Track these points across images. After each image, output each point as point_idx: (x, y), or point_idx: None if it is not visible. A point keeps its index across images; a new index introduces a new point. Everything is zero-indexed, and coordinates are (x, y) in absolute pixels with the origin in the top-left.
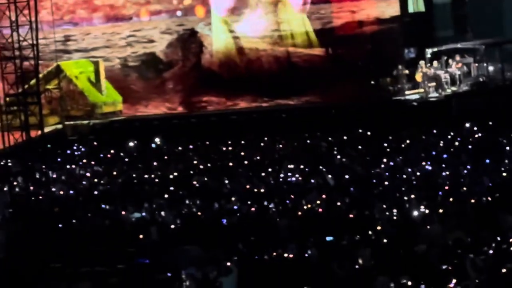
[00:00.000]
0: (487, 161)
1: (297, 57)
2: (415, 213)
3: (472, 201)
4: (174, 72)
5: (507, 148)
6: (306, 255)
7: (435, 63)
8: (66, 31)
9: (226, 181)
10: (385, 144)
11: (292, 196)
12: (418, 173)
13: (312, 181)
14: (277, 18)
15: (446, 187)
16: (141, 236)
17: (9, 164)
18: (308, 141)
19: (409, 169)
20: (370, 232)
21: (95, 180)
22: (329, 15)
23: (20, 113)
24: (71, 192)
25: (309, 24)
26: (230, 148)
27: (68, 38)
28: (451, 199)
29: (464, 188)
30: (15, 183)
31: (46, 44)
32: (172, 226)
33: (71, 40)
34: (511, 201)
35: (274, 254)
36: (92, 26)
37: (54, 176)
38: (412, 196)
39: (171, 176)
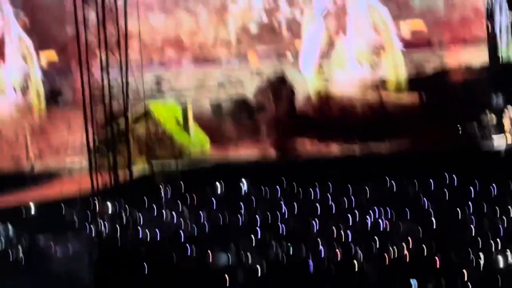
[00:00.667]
0: None
1: (388, 102)
2: (502, 260)
3: None
4: (263, 115)
5: None
6: None
7: None
8: (155, 73)
9: (314, 225)
10: (471, 190)
11: (379, 241)
12: (505, 220)
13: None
14: (372, 63)
15: None
16: (227, 279)
17: (97, 205)
18: (396, 186)
19: (497, 216)
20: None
21: (182, 222)
22: (420, 61)
23: (109, 154)
24: (159, 234)
25: (402, 70)
26: (318, 192)
27: (158, 79)
28: None
29: None
30: (102, 225)
31: (135, 85)
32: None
33: (160, 82)
34: None
35: None
36: (181, 68)
37: (142, 218)
38: (499, 243)
39: (258, 220)
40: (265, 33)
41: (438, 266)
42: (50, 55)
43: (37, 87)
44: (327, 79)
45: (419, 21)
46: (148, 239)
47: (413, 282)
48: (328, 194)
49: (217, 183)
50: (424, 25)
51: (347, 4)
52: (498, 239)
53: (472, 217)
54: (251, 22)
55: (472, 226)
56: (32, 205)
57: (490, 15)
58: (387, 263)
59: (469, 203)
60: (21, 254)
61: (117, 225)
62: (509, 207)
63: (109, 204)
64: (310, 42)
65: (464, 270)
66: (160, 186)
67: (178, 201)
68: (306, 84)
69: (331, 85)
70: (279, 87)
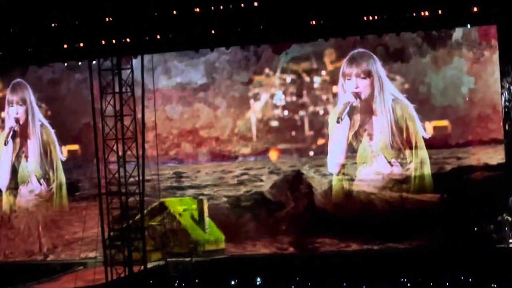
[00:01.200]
0: None
1: (407, 202)
2: None
3: None
4: (280, 212)
5: None
6: None
7: None
8: (172, 168)
9: None
10: None
11: None
12: None
13: None
14: (398, 160)
15: None
16: None
17: None
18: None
19: None
20: None
21: None
22: (440, 160)
23: (124, 248)
24: None
25: (428, 168)
26: None
27: (174, 175)
28: None
29: None
30: None
31: (151, 180)
32: None
33: (175, 177)
34: None
35: None
36: (197, 164)
37: None
38: None
39: None
40: (286, 130)
41: None
42: (68, 147)
43: (60, 177)
44: (350, 177)
45: (443, 121)
46: None
47: None
48: None
49: (231, 279)
50: (447, 123)
51: (372, 100)
52: None
53: None
54: (272, 119)
55: None
56: None
57: (507, 113)
58: None
59: None
60: None
61: None
62: None
63: None
64: (335, 140)
65: None
66: (175, 281)
67: None
68: (326, 182)
69: (354, 183)
70: (296, 183)
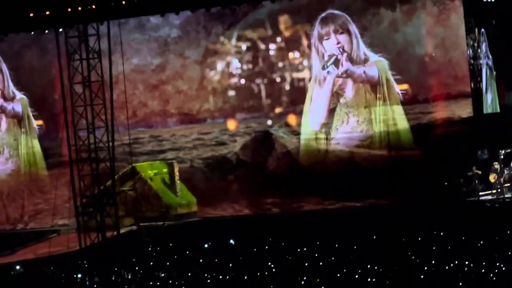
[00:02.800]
0: None
1: (363, 159)
2: None
3: None
4: (244, 173)
5: None
6: None
7: (510, 163)
8: (140, 133)
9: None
10: (459, 245)
11: None
12: (492, 275)
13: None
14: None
15: None
16: None
17: (85, 265)
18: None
19: (484, 270)
20: None
21: (170, 281)
22: (409, 115)
23: (96, 214)
24: None
25: (405, 124)
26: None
27: (142, 140)
28: None
29: None
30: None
31: (121, 145)
32: None
33: (144, 142)
34: None
35: None
36: (165, 128)
37: (129, 277)
38: None
39: (245, 277)
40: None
41: None
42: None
43: (34, 147)
44: (328, 135)
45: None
46: None
47: None
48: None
49: (203, 241)
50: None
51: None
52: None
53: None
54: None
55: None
56: (18, 266)
57: (475, 68)
58: None
59: (456, 257)
60: None
61: (104, 284)
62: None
63: (96, 263)
64: (317, 99)
65: None
66: (147, 245)
67: (165, 259)
68: (296, 141)
69: (331, 142)
70: (266, 142)
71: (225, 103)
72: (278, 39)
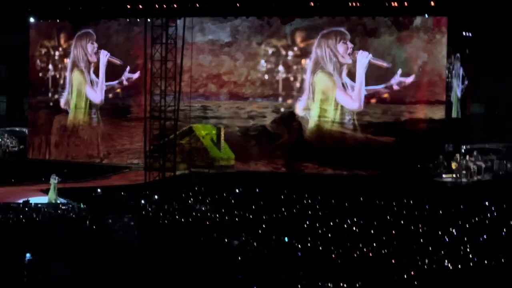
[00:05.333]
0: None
1: (371, 141)
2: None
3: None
4: (277, 141)
5: None
6: None
7: (467, 156)
8: (199, 103)
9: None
10: (424, 211)
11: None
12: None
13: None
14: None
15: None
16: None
17: (149, 195)
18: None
19: (440, 233)
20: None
21: (208, 214)
22: (396, 113)
23: (159, 158)
24: (190, 220)
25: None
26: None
27: (200, 108)
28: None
29: None
30: (150, 210)
31: (184, 110)
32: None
33: (201, 109)
34: None
35: None
36: (218, 101)
37: (178, 207)
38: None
39: (264, 217)
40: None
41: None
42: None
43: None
44: (331, 119)
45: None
46: (183, 222)
47: None
48: (317, 204)
49: (237, 187)
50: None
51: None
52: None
53: (422, 232)
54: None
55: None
56: (99, 190)
57: (448, 83)
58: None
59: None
60: (89, 224)
61: (161, 212)
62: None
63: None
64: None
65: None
66: (196, 185)
67: (208, 197)
68: (309, 121)
69: (334, 124)
70: (289, 120)
71: (262, 90)
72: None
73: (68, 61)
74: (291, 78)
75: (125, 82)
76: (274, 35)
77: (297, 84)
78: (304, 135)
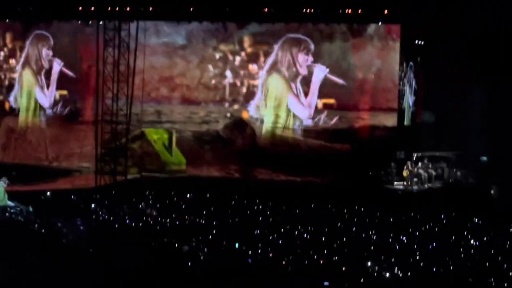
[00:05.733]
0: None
1: (323, 147)
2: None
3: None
4: (229, 146)
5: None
6: None
7: (419, 164)
8: (149, 107)
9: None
10: (375, 217)
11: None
12: (396, 245)
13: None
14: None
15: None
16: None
17: (99, 199)
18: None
19: (390, 240)
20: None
21: (158, 218)
22: (349, 120)
23: (111, 162)
24: (140, 224)
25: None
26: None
27: (152, 112)
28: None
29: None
30: (100, 214)
31: (136, 114)
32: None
33: (153, 114)
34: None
35: None
36: (170, 105)
37: (129, 211)
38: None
39: (214, 222)
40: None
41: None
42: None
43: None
44: (284, 125)
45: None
46: (133, 226)
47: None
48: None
49: (187, 192)
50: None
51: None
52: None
53: (372, 235)
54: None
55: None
56: (48, 193)
57: (401, 91)
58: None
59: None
60: (37, 227)
61: (110, 215)
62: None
63: (107, 199)
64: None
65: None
66: (146, 189)
67: (158, 202)
68: (262, 126)
69: (286, 130)
70: (241, 125)
71: (215, 95)
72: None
73: (17, 61)
74: (244, 83)
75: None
76: (229, 39)
77: (249, 89)
78: (257, 141)
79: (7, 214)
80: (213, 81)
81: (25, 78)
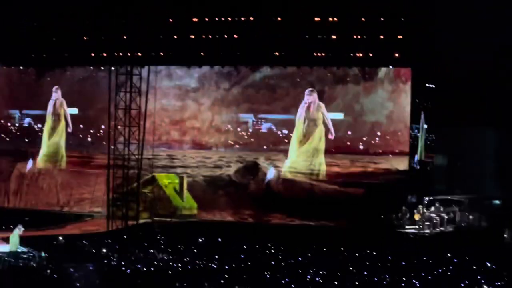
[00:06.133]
0: None
1: (337, 192)
2: None
3: None
4: (241, 190)
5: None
6: None
7: (431, 208)
8: (162, 152)
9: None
10: (387, 262)
11: None
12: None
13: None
14: (310, 161)
15: None
16: None
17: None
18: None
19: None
20: None
21: (170, 263)
22: (363, 163)
23: (122, 207)
24: (152, 269)
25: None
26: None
27: (163, 157)
28: None
29: None
30: (111, 259)
31: (147, 159)
32: None
33: (165, 158)
34: None
35: None
36: (181, 151)
37: (141, 255)
38: None
39: (226, 267)
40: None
41: None
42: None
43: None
44: (297, 169)
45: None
46: (145, 271)
47: None
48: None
49: (199, 236)
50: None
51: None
52: None
53: (385, 279)
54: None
55: None
56: (61, 238)
57: (412, 134)
58: None
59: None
60: (50, 273)
61: (122, 260)
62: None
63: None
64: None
65: None
66: (158, 234)
67: (170, 246)
68: (277, 170)
69: (298, 174)
70: (253, 169)
71: (227, 136)
72: None
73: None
74: (260, 128)
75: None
76: (242, 81)
77: (266, 134)
78: (271, 185)
79: (20, 260)
80: (225, 124)
81: (47, 125)
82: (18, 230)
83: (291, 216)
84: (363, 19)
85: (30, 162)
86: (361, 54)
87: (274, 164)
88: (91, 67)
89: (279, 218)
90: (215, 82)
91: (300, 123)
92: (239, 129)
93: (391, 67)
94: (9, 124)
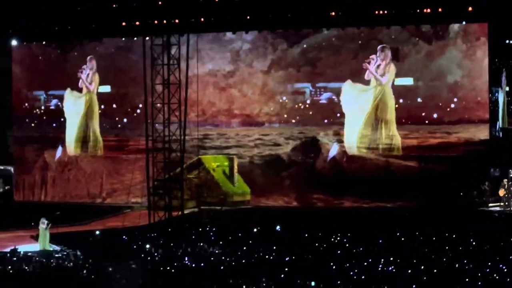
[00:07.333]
0: None
1: (395, 167)
2: None
3: None
4: (293, 171)
5: None
6: None
7: None
8: (207, 131)
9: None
10: (468, 247)
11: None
12: (496, 275)
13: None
14: (380, 134)
15: None
16: None
17: (154, 238)
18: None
19: (488, 270)
20: None
21: (222, 257)
22: (429, 134)
23: (165, 196)
24: (202, 265)
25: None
26: (335, 239)
27: (208, 136)
28: None
29: None
30: (155, 254)
31: (191, 139)
32: None
33: (210, 138)
34: None
35: None
36: (229, 128)
37: (188, 250)
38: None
39: (286, 259)
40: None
41: None
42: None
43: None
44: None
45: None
46: (192, 268)
47: None
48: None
49: (252, 226)
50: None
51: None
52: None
53: (467, 265)
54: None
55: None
56: (98, 233)
57: (491, 99)
58: None
59: (462, 257)
60: (86, 273)
61: (167, 255)
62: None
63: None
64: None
65: None
66: (206, 225)
67: (220, 238)
68: (341, 148)
69: (356, 150)
70: (310, 148)
71: (282, 108)
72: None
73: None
74: (319, 98)
75: None
76: (281, 59)
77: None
78: (339, 164)
79: (52, 260)
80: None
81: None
82: (43, 225)
83: (365, 198)
84: None
85: (60, 150)
86: (429, 10)
87: (337, 140)
88: (123, 38)
89: (352, 201)
90: (270, 43)
91: (368, 89)
92: (295, 101)
93: (464, 23)
94: (34, 107)
